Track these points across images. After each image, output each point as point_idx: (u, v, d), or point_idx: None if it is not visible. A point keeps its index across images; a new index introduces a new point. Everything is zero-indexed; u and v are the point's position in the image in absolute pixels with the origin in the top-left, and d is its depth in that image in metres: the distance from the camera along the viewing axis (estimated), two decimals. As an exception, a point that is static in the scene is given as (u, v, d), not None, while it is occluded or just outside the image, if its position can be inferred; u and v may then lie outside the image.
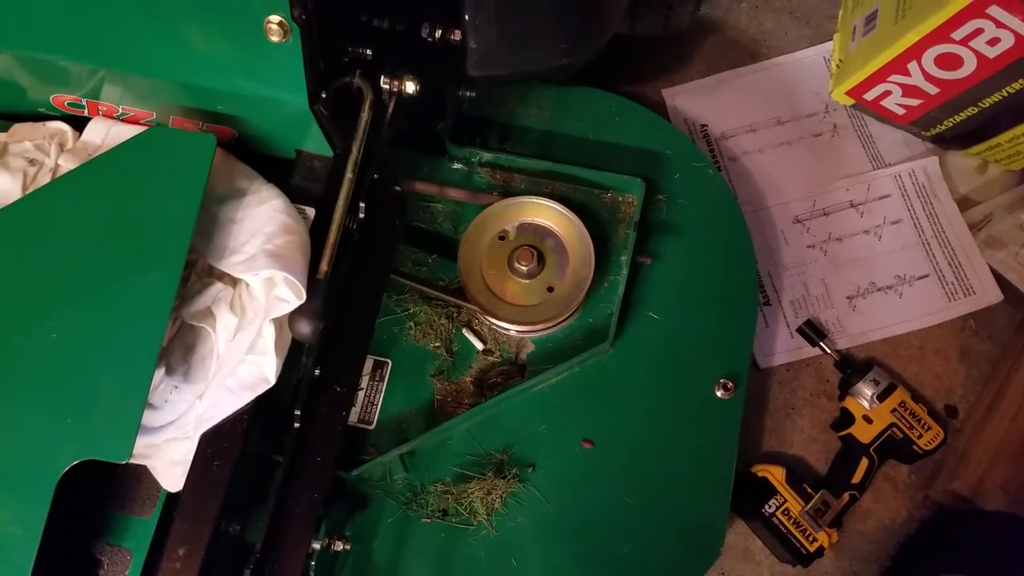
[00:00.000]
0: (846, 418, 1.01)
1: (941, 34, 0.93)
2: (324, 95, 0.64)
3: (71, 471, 0.58)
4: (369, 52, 0.69)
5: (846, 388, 1.02)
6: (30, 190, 0.68)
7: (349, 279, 0.75)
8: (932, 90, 1.00)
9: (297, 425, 0.71)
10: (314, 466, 0.71)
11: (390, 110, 0.72)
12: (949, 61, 0.96)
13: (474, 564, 0.85)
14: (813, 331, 1.04)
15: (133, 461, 0.68)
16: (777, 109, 1.16)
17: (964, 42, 0.93)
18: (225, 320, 0.67)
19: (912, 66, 0.98)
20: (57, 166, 0.71)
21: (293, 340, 0.67)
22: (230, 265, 0.66)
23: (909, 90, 1.02)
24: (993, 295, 1.07)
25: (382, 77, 0.71)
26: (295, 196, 0.71)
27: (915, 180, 1.12)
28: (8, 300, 0.62)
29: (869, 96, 1.06)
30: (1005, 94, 0.97)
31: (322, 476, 0.71)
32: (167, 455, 0.67)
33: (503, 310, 0.91)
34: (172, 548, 0.63)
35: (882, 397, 0.99)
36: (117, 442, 0.59)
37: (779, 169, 1.13)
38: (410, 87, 0.71)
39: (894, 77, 1.01)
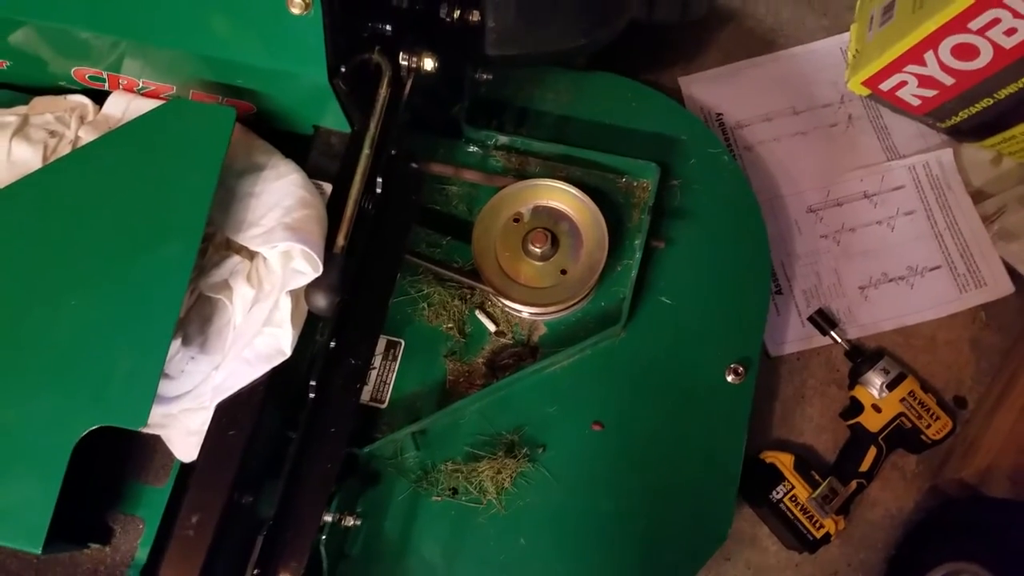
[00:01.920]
0: (855, 407, 1.01)
1: (959, 24, 0.92)
2: (343, 69, 0.65)
3: (86, 440, 0.59)
4: (389, 28, 0.70)
5: (856, 377, 1.02)
6: (50, 161, 0.69)
7: (365, 254, 0.75)
8: (948, 80, 1.00)
9: (312, 396, 0.71)
10: (329, 437, 0.72)
11: (408, 87, 0.73)
12: (966, 51, 0.95)
13: (483, 542, 0.85)
14: (824, 320, 1.04)
15: (149, 431, 0.69)
16: (793, 99, 1.16)
17: (981, 32, 0.92)
18: (242, 292, 0.67)
19: (928, 56, 0.98)
20: (77, 138, 0.71)
21: (309, 313, 0.67)
22: (248, 238, 0.66)
23: (925, 80, 1.02)
24: (1004, 287, 1.07)
25: (401, 53, 0.71)
26: (312, 172, 0.71)
27: (929, 171, 1.11)
28: (28, 269, 0.62)
29: (885, 86, 1.06)
30: (1021, 85, 0.96)
31: (336, 447, 0.71)
32: (183, 425, 0.68)
33: (516, 292, 0.91)
34: (186, 515, 0.64)
35: (891, 386, 0.99)
36: (134, 409, 0.59)
37: (794, 159, 1.13)
38: (428, 64, 0.71)
39: (910, 67, 1.01)
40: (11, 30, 0.67)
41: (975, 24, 0.92)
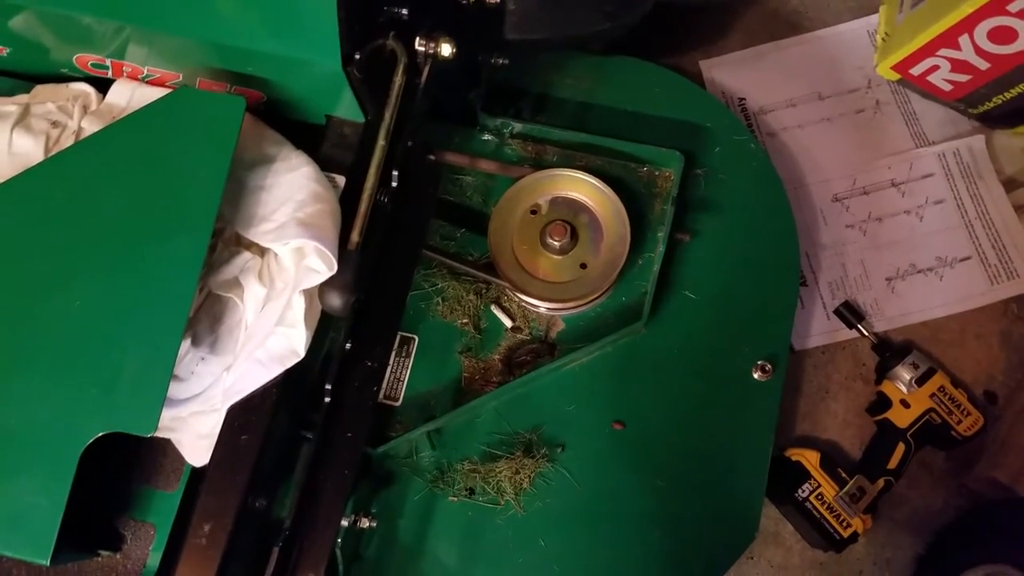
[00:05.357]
0: (883, 402, 0.98)
1: (997, 6, 0.89)
2: (358, 56, 0.62)
3: (95, 444, 0.57)
4: (405, 12, 0.66)
5: (883, 372, 0.99)
6: (52, 153, 0.66)
7: (381, 250, 0.72)
8: (983, 65, 0.96)
9: (328, 400, 0.69)
10: (345, 442, 0.69)
11: (425, 74, 0.69)
12: (1003, 34, 0.92)
13: (501, 544, 0.83)
14: (850, 313, 1.01)
15: (158, 434, 0.66)
16: (818, 84, 1.12)
17: (1021, 14, 0.89)
18: (253, 290, 0.65)
19: (963, 39, 0.94)
20: (80, 128, 0.68)
21: (323, 312, 0.64)
22: (259, 234, 0.64)
23: (958, 65, 0.98)
24: (1038, 279, 1.04)
25: (417, 39, 0.68)
26: (325, 164, 0.68)
27: (959, 159, 1.08)
28: (29, 267, 0.60)
29: (915, 71, 1.02)
30: (1059, 70, 0.93)
31: (353, 453, 0.69)
32: (193, 428, 0.65)
33: (534, 287, 0.88)
34: (198, 523, 0.62)
35: (921, 381, 0.96)
36: (142, 415, 0.57)
37: (819, 146, 1.09)
38: (446, 50, 0.68)
39: (943, 51, 0.97)
40: (11, 15, 0.64)
41: (1015, 6, 0.88)
